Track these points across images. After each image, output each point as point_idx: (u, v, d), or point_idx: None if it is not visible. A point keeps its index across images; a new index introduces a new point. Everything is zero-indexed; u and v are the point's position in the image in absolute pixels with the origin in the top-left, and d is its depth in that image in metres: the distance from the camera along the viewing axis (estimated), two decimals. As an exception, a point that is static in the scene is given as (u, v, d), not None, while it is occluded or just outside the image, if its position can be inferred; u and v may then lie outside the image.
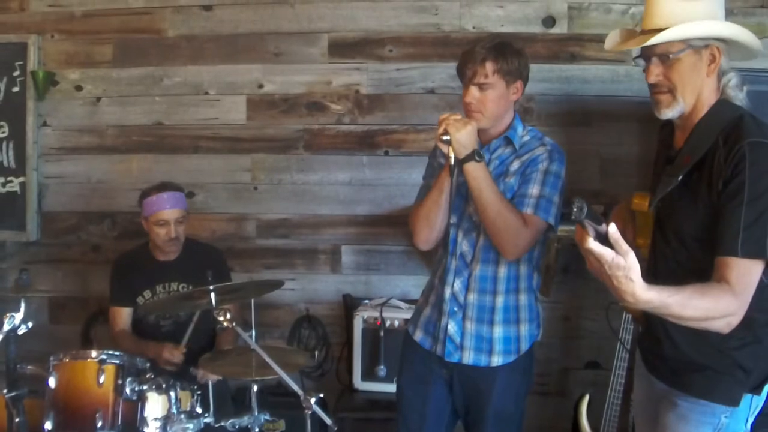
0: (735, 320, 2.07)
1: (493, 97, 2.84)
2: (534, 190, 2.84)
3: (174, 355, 3.60)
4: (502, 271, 2.91)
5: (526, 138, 2.97)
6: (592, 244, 1.85)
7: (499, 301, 2.92)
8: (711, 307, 2.03)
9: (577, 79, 4.27)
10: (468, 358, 2.93)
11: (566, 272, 4.26)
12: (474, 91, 2.83)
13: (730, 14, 2.32)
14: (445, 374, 2.99)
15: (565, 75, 4.27)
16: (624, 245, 1.86)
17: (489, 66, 2.80)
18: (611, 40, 2.49)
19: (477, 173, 2.73)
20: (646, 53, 2.29)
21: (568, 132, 4.22)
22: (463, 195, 2.91)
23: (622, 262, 1.85)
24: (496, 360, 2.92)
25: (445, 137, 2.74)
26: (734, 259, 2.06)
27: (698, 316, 2.04)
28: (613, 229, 1.84)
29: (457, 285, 2.94)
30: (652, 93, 2.33)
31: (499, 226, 2.75)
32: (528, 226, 2.78)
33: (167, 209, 3.78)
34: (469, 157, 2.73)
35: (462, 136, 2.72)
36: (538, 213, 2.81)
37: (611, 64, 4.21)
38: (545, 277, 3.99)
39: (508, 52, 2.83)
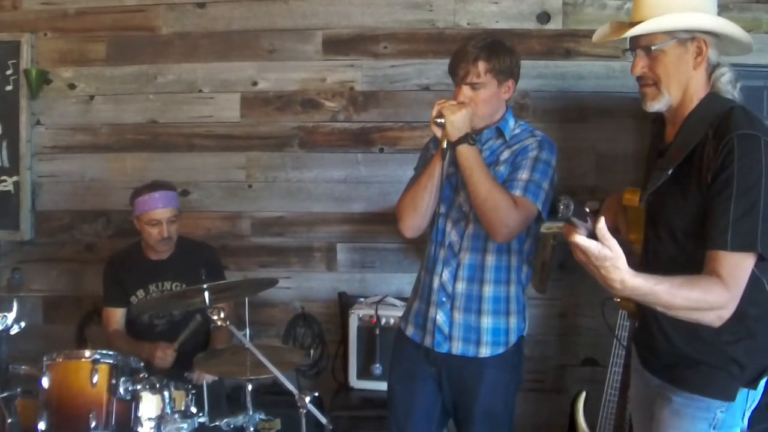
0: (726, 313, 2.06)
1: (485, 97, 2.87)
2: (523, 175, 2.86)
3: (167, 354, 3.59)
4: (490, 260, 2.92)
5: (517, 131, 3.00)
6: (578, 238, 1.87)
7: (487, 290, 2.92)
8: (701, 299, 2.03)
9: (572, 75, 4.26)
10: (456, 348, 2.94)
11: (562, 269, 4.25)
12: (466, 90, 2.85)
13: (725, 9, 2.32)
14: (434, 372, 3.00)
15: (560, 71, 4.27)
16: (610, 239, 1.88)
17: (481, 65, 2.82)
18: (600, 32, 2.49)
19: (469, 154, 2.76)
20: (632, 45, 2.30)
21: (564, 128, 4.21)
22: (452, 185, 2.93)
23: (608, 253, 1.88)
24: (484, 351, 2.93)
25: (439, 120, 2.77)
26: (724, 253, 2.05)
27: (687, 306, 2.03)
28: (601, 225, 1.86)
29: (446, 275, 2.95)
30: (639, 86, 2.33)
31: (489, 206, 2.75)
32: (518, 207, 2.78)
33: (159, 208, 3.77)
34: (463, 140, 2.75)
35: (457, 119, 2.75)
36: (527, 195, 2.82)
37: (606, 59, 4.21)
38: (541, 274, 3.99)
39: (500, 51, 2.85)
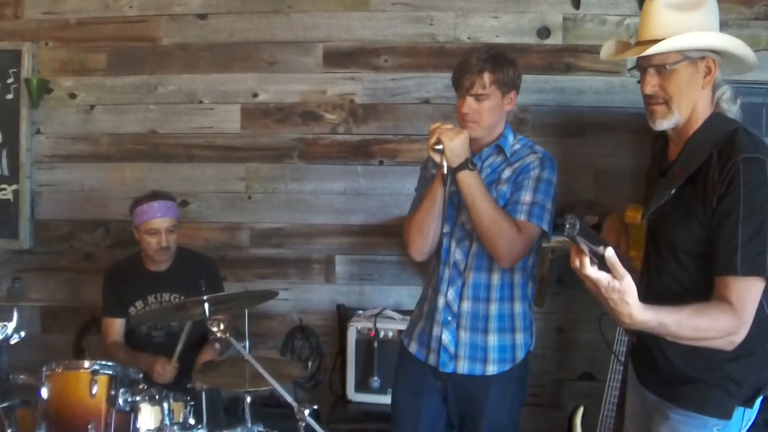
0: (738, 338, 2.08)
1: (489, 108, 2.85)
2: (526, 197, 2.85)
3: (166, 370, 3.58)
4: (496, 279, 2.91)
5: (517, 146, 2.98)
6: (589, 270, 1.88)
7: (493, 309, 2.92)
8: (708, 327, 2.04)
9: (571, 90, 4.28)
10: (463, 367, 2.92)
11: (560, 283, 4.26)
12: (471, 101, 2.84)
13: (724, 26, 2.31)
14: (440, 386, 2.99)
15: (560, 86, 4.28)
16: (620, 269, 1.88)
17: (486, 77, 2.81)
18: (607, 51, 2.49)
19: (470, 181, 2.74)
20: (643, 64, 2.29)
21: (563, 143, 4.22)
22: (454, 204, 2.91)
23: (617, 286, 1.88)
24: (491, 369, 2.92)
25: (437, 146, 2.74)
26: (734, 278, 2.06)
27: (696, 336, 2.06)
28: (609, 253, 1.86)
29: (451, 294, 2.94)
30: (647, 104, 2.32)
31: (493, 234, 2.75)
32: (522, 232, 2.79)
33: (158, 218, 3.77)
34: (463, 166, 2.74)
35: (455, 145, 2.72)
36: (532, 219, 2.83)
37: (606, 75, 4.22)
38: (539, 288, 3.99)
39: (504, 63, 2.85)
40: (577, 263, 1.90)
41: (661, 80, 2.26)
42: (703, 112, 2.27)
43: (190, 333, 3.60)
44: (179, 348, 3.56)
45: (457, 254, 2.95)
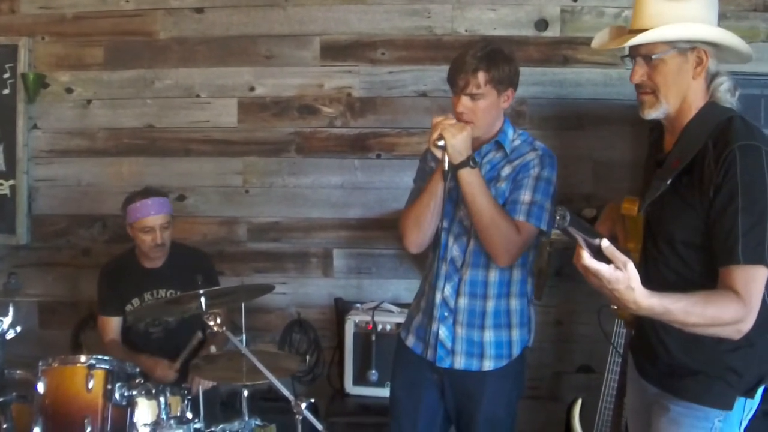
0: (745, 327, 2.07)
1: (485, 107, 2.83)
2: (526, 196, 2.83)
3: (168, 374, 3.58)
4: (493, 276, 2.90)
5: (517, 142, 2.96)
6: (589, 261, 1.87)
7: (490, 305, 2.91)
8: (716, 315, 2.04)
9: (569, 82, 4.26)
10: (459, 362, 2.92)
11: (559, 276, 4.25)
12: (466, 101, 2.81)
13: (722, 18, 2.30)
14: (436, 379, 2.98)
15: (558, 78, 4.27)
16: (621, 257, 1.88)
17: (481, 76, 2.78)
18: (600, 39, 2.49)
19: (471, 179, 2.72)
20: (632, 53, 2.29)
21: (561, 135, 4.21)
22: (453, 200, 2.90)
23: (621, 275, 1.88)
24: (488, 364, 2.91)
25: (439, 142, 2.71)
26: (737, 267, 2.06)
27: (703, 323, 2.05)
28: (606, 244, 1.86)
29: (448, 290, 2.93)
30: (637, 93, 2.33)
31: (492, 233, 2.74)
32: (520, 233, 2.78)
33: (152, 215, 3.75)
34: (464, 163, 2.71)
35: (458, 142, 2.69)
36: (530, 220, 2.81)
37: (604, 67, 4.21)
38: (538, 281, 3.98)
39: (499, 60, 2.81)
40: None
41: (648, 70, 2.26)
42: (696, 101, 2.26)
43: (188, 328, 3.60)
44: (184, 355, 3.57)
45: (454, 250, 2.94)
